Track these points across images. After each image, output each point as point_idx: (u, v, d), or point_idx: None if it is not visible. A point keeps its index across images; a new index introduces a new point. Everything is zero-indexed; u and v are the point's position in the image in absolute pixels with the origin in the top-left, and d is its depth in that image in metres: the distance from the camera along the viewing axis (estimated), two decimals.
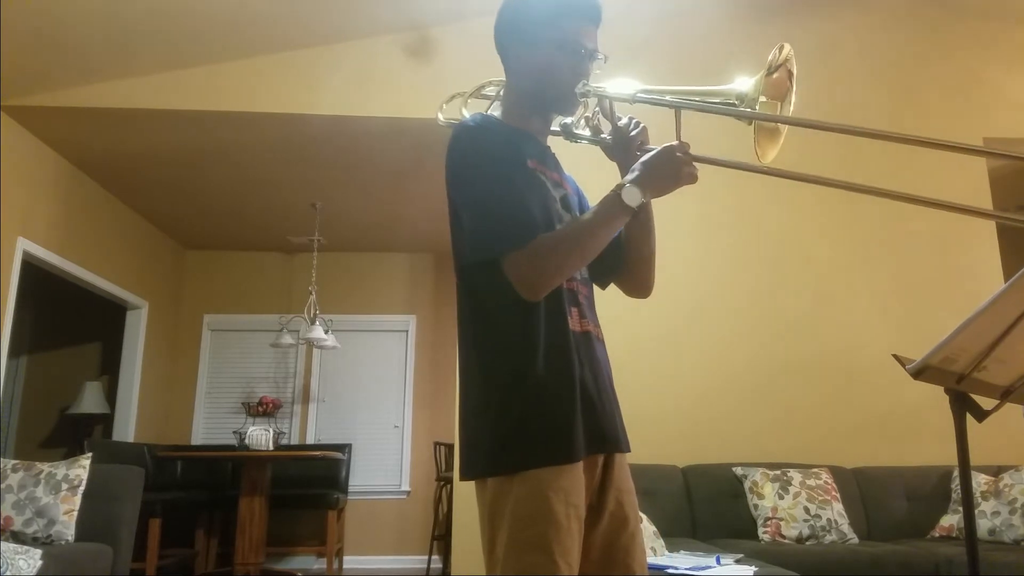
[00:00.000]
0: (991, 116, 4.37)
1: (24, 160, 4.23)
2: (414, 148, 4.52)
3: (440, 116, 1.60)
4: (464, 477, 1.27)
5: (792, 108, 1.27)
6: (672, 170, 1.23)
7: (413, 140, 4.40)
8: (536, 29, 1.37)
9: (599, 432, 1.27)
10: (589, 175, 1.74)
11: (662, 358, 3.90)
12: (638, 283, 1.49)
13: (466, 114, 1.50)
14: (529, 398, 1.22)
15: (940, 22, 4.54)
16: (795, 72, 1.26)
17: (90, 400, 5.81)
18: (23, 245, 4.21)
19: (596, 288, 1.48)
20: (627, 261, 1.46)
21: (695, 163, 1.24)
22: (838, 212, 4.13)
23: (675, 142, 1.25)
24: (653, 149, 1.28)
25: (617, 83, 1.39)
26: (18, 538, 3.09)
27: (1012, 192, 5.01)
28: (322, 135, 4.40)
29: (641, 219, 1.39)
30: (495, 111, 1.48)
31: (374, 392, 6.42)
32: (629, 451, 1.35)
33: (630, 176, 1.25)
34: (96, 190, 5.06)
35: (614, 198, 1.24)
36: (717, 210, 4.07)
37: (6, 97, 3.94)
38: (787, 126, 1.27)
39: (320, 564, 5.88)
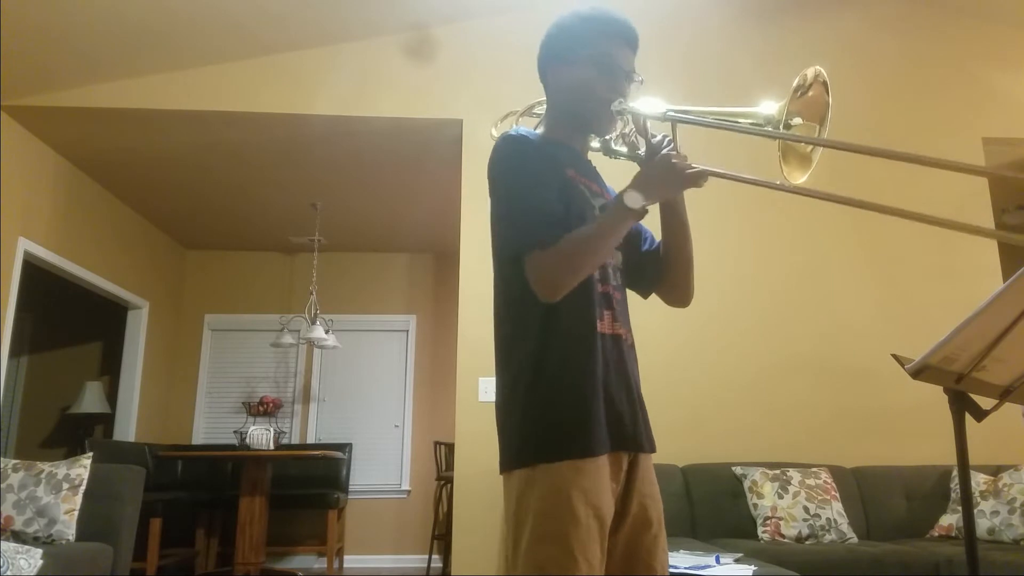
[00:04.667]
0: (989, 116, 4.37)
1: (24, 160, 4.24)
2: (414, 148, 4.52)
3: (493, 131, 1.69)
4: (501, 472, 1.31)
5: (828, 129, 1.29)
6: (670, 176, 1.31)
7: (413, 140, 4.41)
8: (575, 49, 1.43)
9: (620, 431, 1.31)
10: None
11: (661, 359, 3.90)
12: (679, 291, 1.53)
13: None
14: (550, 394, 1.27)
15: (938, 23, 4.53)
16: (830, 92, 1.28)
17: (91, 400, 5.82)
18: (23, 245, 4.21)
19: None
20: (667, 269, 1.51)
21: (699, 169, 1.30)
22: (836, 211, 4.13)
23: (672, 151, 1.34)
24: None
25: (646, 102, 1.43)
26: (19, 537, 3.09)
27: (1011, 193, 5.01)
28: (322, 135, 4.40)
29: (676, 224, 1.47)
30: (539, 130, 1.54)
31: (374, 392, 6.42)
32: (653, 451, 1.39)
33: (632, 182, 1.31)
34: (96, 190, 5.06)
35: (617, 202, 1.29)
36: (718, 214, 4.06)
37: (6, 97, 3.95)
38: (819, 150, 1.29)
39: (320, 564, 5.88)
